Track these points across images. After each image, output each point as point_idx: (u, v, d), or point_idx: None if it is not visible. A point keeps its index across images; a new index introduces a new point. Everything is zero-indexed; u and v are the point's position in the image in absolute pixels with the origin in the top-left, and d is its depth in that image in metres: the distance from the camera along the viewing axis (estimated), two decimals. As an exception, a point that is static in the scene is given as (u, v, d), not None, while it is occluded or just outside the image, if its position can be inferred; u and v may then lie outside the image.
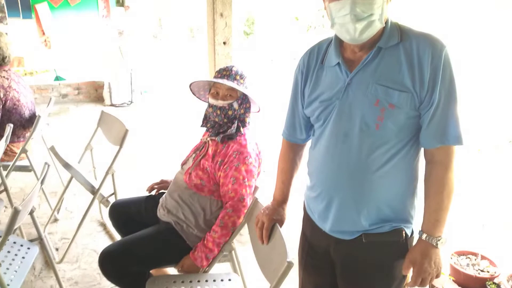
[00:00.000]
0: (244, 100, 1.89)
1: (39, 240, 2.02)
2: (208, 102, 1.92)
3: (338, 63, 1.23)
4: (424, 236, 1.22)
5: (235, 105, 1.85)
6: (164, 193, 2.08)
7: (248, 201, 1.82)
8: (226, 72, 1.87)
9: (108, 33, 6.15)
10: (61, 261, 2.57)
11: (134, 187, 3.64)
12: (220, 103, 1.84)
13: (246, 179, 1.81)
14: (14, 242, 2.00)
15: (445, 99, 1.13)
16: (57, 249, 2.72)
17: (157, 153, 4.53)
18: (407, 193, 1.26)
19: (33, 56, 5.78)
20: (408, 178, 1.25)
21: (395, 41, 1.15)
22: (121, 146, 2.47)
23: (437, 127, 1.15)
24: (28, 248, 1.98)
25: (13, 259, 1.89)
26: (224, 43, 2.60)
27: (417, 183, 1.28)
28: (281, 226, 1.50)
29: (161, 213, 1.97)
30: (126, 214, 2.08)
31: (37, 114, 2.86)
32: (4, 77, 2.87)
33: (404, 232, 1.26)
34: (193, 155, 1.99)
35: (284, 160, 1.56)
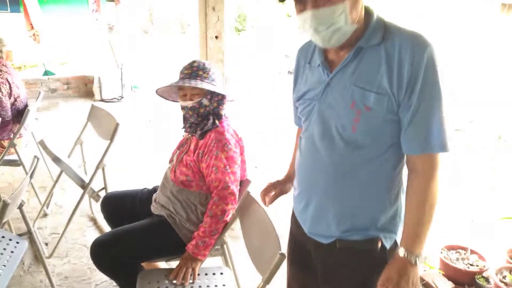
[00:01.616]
0: (214, 93, 1.85)
1: (28, 234, 2.00)
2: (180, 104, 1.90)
3: (319, 64, 1.21)
4: (402, 252, 1.15)
5: (205, 101, 1.83)
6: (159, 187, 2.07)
7: (235, 188, 1.80)
8: (187, 71, 1.83)
9: (98, 27, 6.08)
10: (50, 256, 2.54)
11: (124, 182, 3.62)
12: (189, 103, 1.82)
13: (227, 166, 1.79)
14: (3, 237, 1.97)
15: (427, 102, 1.07)
16: (46, 244, 2.69)
17: (148, 149, 4.50)
18: (387, 202, 1.20)
19: (21, 50, 5.69)
20: (388, 186, 1.19)
21: (377, 41, 1.11)
22: (111, 140, 2.45)
23: (417, 132, 1.10)
24: (17, 243, 1.95)
25: (1, 254, 1.86)
26: (216, 37, 2.58)
27: (401, 191, 1.22)
28: (278, 195, 1.51)
29: (154, 207, 1.97)
30: (119, 206, 2.06)
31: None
32: (5, 71, 2.84)
33: (380, 242, 1.21)
34: (177, 152, 1.98)
35: (296, 139, 1.52)
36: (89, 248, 1.81)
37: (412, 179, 1.15)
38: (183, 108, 1.87)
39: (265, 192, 1.50)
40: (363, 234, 1.20)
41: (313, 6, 1.06)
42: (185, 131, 1.95)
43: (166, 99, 2.03)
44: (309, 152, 1.25)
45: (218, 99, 1.86)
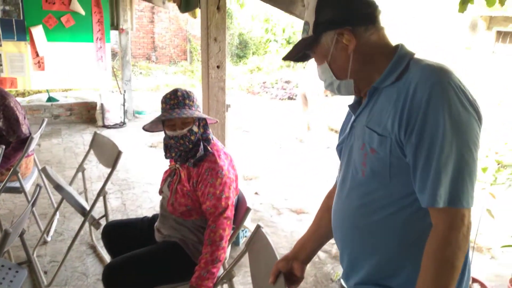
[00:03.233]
0: (200, 119, 1.89)
1: (28, 263, 1.99)
2: (166, 133, 1.89)
3: (349, 105, 1.22)
4: None
5: (195, 128, 1.84)
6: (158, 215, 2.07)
7: (229, 213, 1.83)
8: (173, 101, 1.83)
9: (102, 55, 6.20)
10: (49, 284, 2.52)
11: (125, 210, 3.62)
12: (179, 133, 1.83)
13: (222, 192, 1.81)
14: (2, 265, 1.96)
15: (426, 146, 0.94)
16: (45, 272, 2.67)
17: (149, 175, 4.51)
18: (407, 259, 1.05)
19: (26, 77, 5.79)
20: (408, 240, 1.04)
21: (392, 80, 1.03)
22: (113, 167, 2.47)
23: (420, 179, 0.96)
24: (17, 272, 1.95)
25: (0, 283, 1.85)
26: (218, 66, 2.64)
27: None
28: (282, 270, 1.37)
29: (159, 238, 1.97)
30: (120, 235, 2.06)
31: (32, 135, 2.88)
32: (7, 95, 2.92)
33: None
34: (167, 183, 1.98)
35: (325, 198, 1.42)
36: (102, 272, 1.81)
37: (429, 236, 0.97)
38: (171, 138, 1.85)
39: (272, 272, 1.38)
40: None
41: (316, 64, 1.18)
42: (174, 161, 1.94)
43: (151, 131, 2.02)
44: (336, 196, 1.22)
45: (203, 124, 1.90)
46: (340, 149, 1.23)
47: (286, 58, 1.20)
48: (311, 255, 1.37)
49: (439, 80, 0.94)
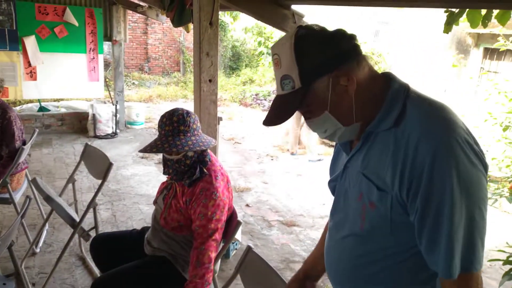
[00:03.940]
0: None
1: (16, 275, 1.98)
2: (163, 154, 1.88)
3: (339, 144, 1.14)
4: None
5: (190, 153, 1.83)
6: (149, 227, 2.08)
7: (217, 235, 1.82)
8: (168, 127, 1.78)
9: (95, 65, 6.22)
10: (37, 297, 2.50)
11: (115, 221, 3.60)
12: (175, 157, 1.83)
13: (214, 214, 1.81)
14: (-10, 277, 1.96)
15: (433, 213, 0.86)
16: (33, 284, 2.64)
17: (140, 187, 4.50)
18: None
19: (17, 86, 5.78)
20: None
21: (388, 125, 0.95)
22: (104, 179, 2.47)
23: (426, 243, 0.90)
24: (4, 284, 1.94)
25: (-12, 295, 1.85)
26: (210, 80, 2.67)
27: None
28: None
29: (149, 250, 1.97)
30: (108, 248, 2.05)
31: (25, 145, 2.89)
32: (9, 107, 2.94)
33: None
34: (163, 195, 1.98)
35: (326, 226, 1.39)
36: (90, 286, 1.80)
37: None
38: (168, 160, 1.85)
39: None
40: None
41: (305, 118, 1.05)
42: (171, 179, 1.94)
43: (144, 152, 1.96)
44: (328, 238, 1.16)
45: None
46: (333, 186, 1.16)
47: (270, 123, 1.02)
48: (322, 273, 1.35)
49: (444, 138, 0.86)
